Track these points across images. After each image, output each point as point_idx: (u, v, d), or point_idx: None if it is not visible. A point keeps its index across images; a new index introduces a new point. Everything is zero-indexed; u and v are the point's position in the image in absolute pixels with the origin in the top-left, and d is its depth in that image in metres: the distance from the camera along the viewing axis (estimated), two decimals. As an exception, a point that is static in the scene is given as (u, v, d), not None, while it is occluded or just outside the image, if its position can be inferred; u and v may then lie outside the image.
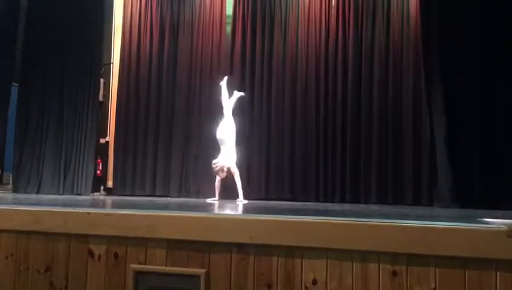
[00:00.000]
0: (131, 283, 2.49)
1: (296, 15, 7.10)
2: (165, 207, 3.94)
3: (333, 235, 2.28)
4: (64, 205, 3.72)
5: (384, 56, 6.70)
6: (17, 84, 7.41)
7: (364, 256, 2.24)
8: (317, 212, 3.56)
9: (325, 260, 2.29)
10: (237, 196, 5.79)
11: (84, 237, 2.61)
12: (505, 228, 2.10)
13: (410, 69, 6.56)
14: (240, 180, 5.87)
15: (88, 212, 2.66)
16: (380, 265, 2.22)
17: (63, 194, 6.91)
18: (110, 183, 7.54)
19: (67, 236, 2.63)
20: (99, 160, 7.53)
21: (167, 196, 7.07)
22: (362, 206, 5.60)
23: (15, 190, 7.04)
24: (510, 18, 5.39)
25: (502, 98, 5.37)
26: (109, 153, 7.63)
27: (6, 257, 2.70)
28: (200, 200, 6.19)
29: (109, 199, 5.95)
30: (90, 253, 2.60)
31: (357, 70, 6.76)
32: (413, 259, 2.18)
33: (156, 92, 7.49)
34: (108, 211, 3.01)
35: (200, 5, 7.50)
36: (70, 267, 2.62)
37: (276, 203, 5.83)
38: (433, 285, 2.16)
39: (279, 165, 6.84)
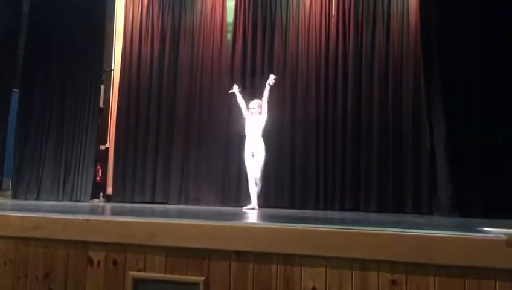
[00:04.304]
0: (130, 290, 2.49)
1: (296, 23, 7.13)
2: (165, 214, 3.94)
3: (333, 243, 2.28)
4: (64, 211, 3.72)
5: (384, 64, 6.72)
6: (17, 91, 7.43)
7: (364, 264, 2.24)
8: (316, 220, 3.55)
9: (325, 268, 2.28)
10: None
11: (83, 244, 2.60)
12: (504, 237, 2.10)
13: (410, 77, 6.57)
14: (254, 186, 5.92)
15: (87, 219, 2.66)
16: (380, 274, 2.22)
17: (62, 200, 6.91)
18: (109, 190, 7.53)
19: (66, 243, 2.63)
20: (99, 166, 7.53)
21: (166, 203, 7.07)
22: (362, 214, 5.59)
23: (14, 195, 7.03)
24: (509, 22, 5.41)
25: (501, 106, 5.37)
26: (109, 160, 7.63)
27: (5, 263, 2.70)
28: (200, 208, 6.19)
29: (108, 206, 5.94)
30: (89, 260, 2.59)
31: (357, 78, 6.78)
32: (413, 268, 2.18)
33: (156, 99, 7.50)
34: (108, 217, 3.01)
35: (201, 12, 7.53)
36: (69, 274, 2.62)
37: (276, 211, 5.82)
38: (432, 294, 2.16)
39: (279, 172, 6.84)
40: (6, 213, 2.87)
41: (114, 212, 4.21)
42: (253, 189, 5.91)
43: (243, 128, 6.11)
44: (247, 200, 6.04)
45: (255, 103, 6.07)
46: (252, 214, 4.89)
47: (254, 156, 5.92)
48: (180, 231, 2.49)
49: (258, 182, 5.91)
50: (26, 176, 7.09)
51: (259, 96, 6.17)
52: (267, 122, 6.06)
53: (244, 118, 6.09)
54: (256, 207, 5.85)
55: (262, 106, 5.98)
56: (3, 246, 2.71)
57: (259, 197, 5.97)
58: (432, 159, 5.70)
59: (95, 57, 7.40)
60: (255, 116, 6.03)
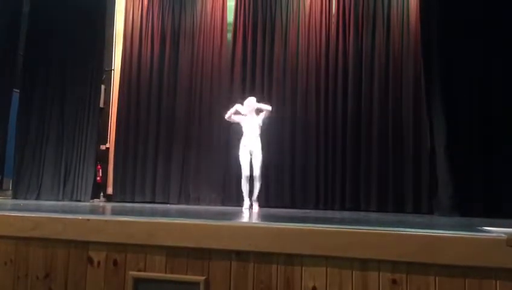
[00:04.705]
0: (130, 290, 2.49)
1: (296, 23, 7.14)
2: (165, 214, 3.94)
3: (333, 243, 2.28)
4: (64, 211, 3.71)
5: (385, 64, 6.73)
6: (17, 91, 7.43)
7: (364, 264, 2.24)
8: (317, 220, 3.55)
9: (325, 268, 2.28)
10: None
11: (84, 244, 2.60)
12: (504, 236, 2.10)
13: (410, 77, 6.58)
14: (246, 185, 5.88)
15: (87, 219, 2.65)
16: (380, 273, 2.21)
17: (62, 200, 6.91)
18: (110, 190, 7.54)
19: (67, 243, 2.62)
20: (99, 166, 7.53)
21: (167, 203, 7.07)
22: (362, 214, 5.59)
23: (15, 195, 7.03)
24: (509, 22, 5.41)
25: (501, 106, 5.37)
26: (109, 160, 7.63)
27: (5, 263, 2.69)
28: (200, 207, 6.18)
29: (109, 206, 5.94)
30: (90, 260, 2.59)
31: (357, 77, 6.78)
32: (413, 267, 2.18)
33: (156, 99, 7.50)
34: (108, 217, 3.00)
35: (201, 12, 7.54)
36: (69, 274, 2.61)
37: (276, 210, 5.82)
38: (433, 294, 2.16)
39: (280, 172, 6.84)
40: (7, 213, 2.87)
41: (114, 212, 4.21)
42: (246, 188, 5.88)
43: (241, 127, 6.07)
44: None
45: (250, 100, 6.05)
46: (252, 213, 4.88)
47: (252, 155, 5.90)
48: (180, 231, 2.49)
49: (258, 180, 5.90)
50: (26, 176, 7.09)
51: (257, 95, 6.17)
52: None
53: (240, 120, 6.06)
54: (256, 206, 5.85)
55: (264, 113, 5.96)
56: (3, 246, 2.71)
57: (259, 196, 5.96)
58: (432, 159, 5.70)
59: (95, 57, 7.40)
60: (251, 115, 6.00)
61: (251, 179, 5.90)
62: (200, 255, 2.43)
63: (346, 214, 5.49)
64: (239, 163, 5.94)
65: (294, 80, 7.02)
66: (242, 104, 6.02)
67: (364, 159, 6.60)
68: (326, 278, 2.28)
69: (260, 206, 5.95)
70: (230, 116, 6.00)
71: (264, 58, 7.18)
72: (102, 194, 7.55)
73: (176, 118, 7.40)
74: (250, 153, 5.89)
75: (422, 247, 2.17)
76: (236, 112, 5.98)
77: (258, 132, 5.95)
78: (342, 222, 3.47)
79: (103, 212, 4.29)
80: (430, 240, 2.18)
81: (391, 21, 6.80)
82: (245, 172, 5.88)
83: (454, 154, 5.45)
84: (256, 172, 5.87)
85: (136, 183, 7.34)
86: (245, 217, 3.98)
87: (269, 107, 5.97)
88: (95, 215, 2.92)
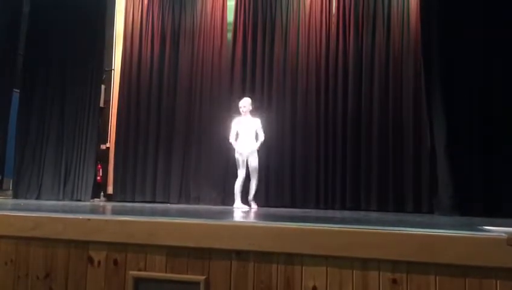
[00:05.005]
0: (131, 289, 2.49)
1: (296, 22, 7.14)
2: (165, 213, 3.94)
3: (333, 242, 2.28)
4: (64, 211, 3.71)
5: (385, 63, 6.73)
6: (17, 90, 7.43)
7: (365, 264, 2.24)
8: (317, 220, 3.55)
9: (325, 268, 2.28)
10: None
11: (84, 244, 2.60)
12: (505, 236, 2.10)
13: (410, 77, 6.57)
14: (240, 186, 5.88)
15: (88, 219, 2.65)
16: (380, 273, 2.22)
17: (63, 200, 6.91)
18: (110, 190, 7.54)
19: (67, 242, 2.63)
20: (99, 166, 7.53)
21: (167, 202, 7.07)
22: (362, 213, 5.59)
23: (15, 195, 7.03)
24: (509, 22, 5.41)
25: (501, 106, 5.37)
26: (109, 159, 7.64)
27: (6, 263, 2.70)
28: (200, 207, 6.18)
29: (109, 205, 5.94)
30: (90, 259, 2.59)
31: (357, 77, 6.78)
32: (414, 267, 2.18)
33: (156, 99, 7.51)
34: (108, 217, 3.00)
35: (201, 12, 7.54)
36: (69, 274, 2.62)
37: (276, 210, 5.83)
38: (433, 293, 2.16)
39: (280, 172, 6.84)
40: (7, 213, 2.87)
41: (115, 212, 4.21)
42: (239, 189, 5.90)
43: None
44: (246, 199, 6.03)
45: (245, 101, 6.04)
46: (251, 213, 4.88)
47: (249, 155, 5.90)
48: (180, 231, 2.49)
49: (256, 180, 5.91)
50: (26, 175, 7.09)
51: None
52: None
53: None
54: (255, 206, 5.86)
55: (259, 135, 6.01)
56: (3, 245, 2.71)
57: (258, 196, 5.97)
58: (432, 158, 5.70)
59: (95, 57, 7.40)
60: (247, 116, 6.00)
61: (248, 179, 5.92)
62: (200, 254, 2.44)
63: (347, 213, 5.49)
64: (235, 163, 5.97)
65: (294, 79, 7.02)
66: (239, 104, 6.05)
67: (364, 159, 6.60)
68: (326, 277, 2.28)
69: (259, 205, 5.96)
70: (234, 138, 6.00)
71: (264, 58, 7.18)
72: (102, 193, 7.56)
73: (176, 118, 7.40)
74: (247, 153, 5.90)
75: (423, 246, 2.17)
76: (236, 130, 6.01)
77: (254, 133, 5.97)
78: (342, 221, 3.47)
79: (103, 212, 4.29)
80: (430, 240, 2.18)
81: (391, 21, 6.79)
82: (241, 173, 5.89)
83: (454, 154, 5.44)
84: (254, 173, 5.88)
85: (136, 182, 7.34)
86: (245, 217, 3.98)
87: (263, 138, 6.01)
88: (96, 215, 2.92)
